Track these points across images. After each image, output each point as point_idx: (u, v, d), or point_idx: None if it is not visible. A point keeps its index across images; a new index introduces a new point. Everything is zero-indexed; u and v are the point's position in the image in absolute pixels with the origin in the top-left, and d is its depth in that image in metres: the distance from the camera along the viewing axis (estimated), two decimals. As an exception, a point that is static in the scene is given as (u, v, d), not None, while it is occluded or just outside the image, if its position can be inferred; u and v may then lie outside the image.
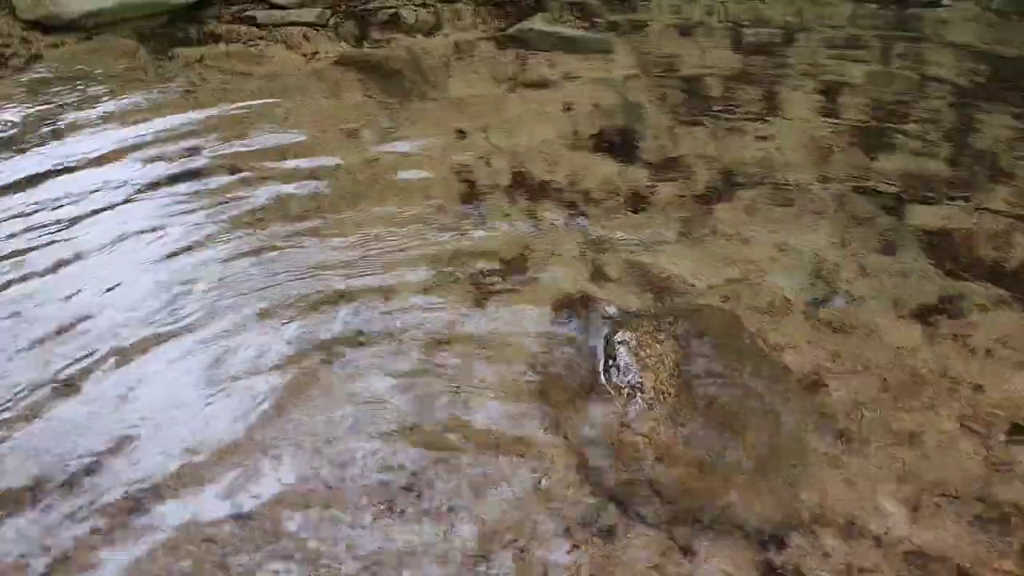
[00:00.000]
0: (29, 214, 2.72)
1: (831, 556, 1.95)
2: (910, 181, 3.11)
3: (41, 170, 2.92)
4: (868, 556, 1.95)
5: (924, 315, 2.56)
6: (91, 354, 2.25)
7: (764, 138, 3.33)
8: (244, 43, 3.66)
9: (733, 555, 1.93)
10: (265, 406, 2.16)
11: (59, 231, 2.66)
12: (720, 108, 3.52)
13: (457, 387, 2.26)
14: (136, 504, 1.92)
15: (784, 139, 3.31)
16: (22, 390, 2.14)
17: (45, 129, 3.12)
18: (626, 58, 3.81)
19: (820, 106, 3.53)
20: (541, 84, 3.61)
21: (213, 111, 3.26)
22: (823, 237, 2.85)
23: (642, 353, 2.25)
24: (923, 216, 2.95)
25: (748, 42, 3.97)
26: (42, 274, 2.49)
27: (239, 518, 1.91)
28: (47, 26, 3.59)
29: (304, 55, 3.64)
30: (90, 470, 1.98)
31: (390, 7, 4.02)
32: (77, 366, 2.22)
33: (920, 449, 2.16)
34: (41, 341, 2.29)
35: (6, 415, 2.08)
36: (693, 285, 2.65)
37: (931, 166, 3.21)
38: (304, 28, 3.80)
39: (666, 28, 4.05)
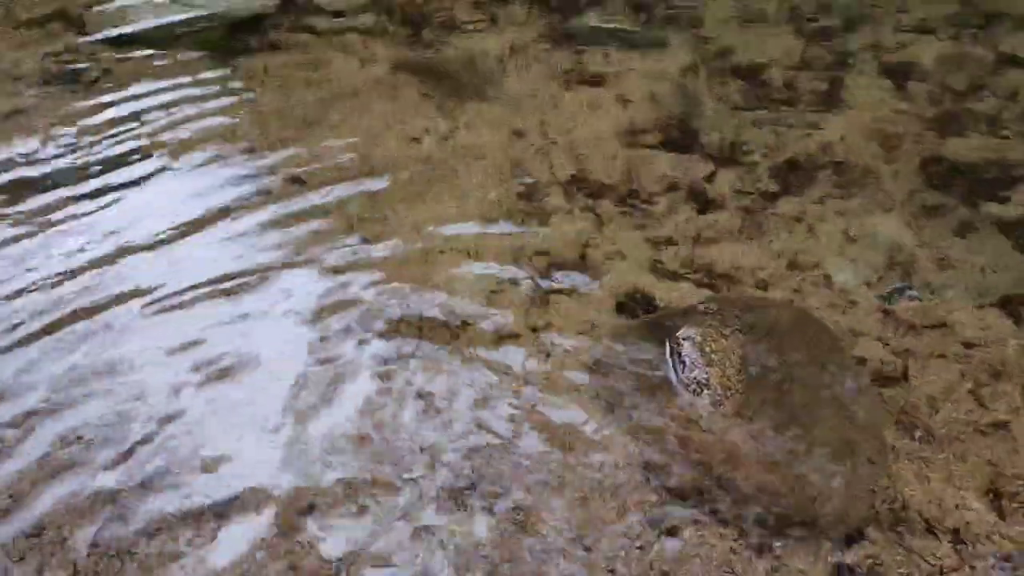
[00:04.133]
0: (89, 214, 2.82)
1: (911, 557, 1.87)
2: (986, 167, 2.99)
3: (111, 181, 3.01)
4: (950, 556, 1.87)
5: (1007, 305, 2.45)
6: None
7: (827, 128, 3.23)
8: (303, 51, 3.72)
9: (805, 555, 1.88)
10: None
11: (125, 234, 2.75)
12: (783, 97, 3.43)
13: (519, 384, 2.25)
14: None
15: (850, 127, 3.22)
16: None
17: (115, 140, 3.20)
18: (683, 51, 3.74)
19: (888, 91, 3.41)
20: (597, 80, 3.57)
21: (274, 118, 3.32)
22: (894, 227, 2.75)
23: (707, 348, 2.20)
24: (1000, 204, 2.83)
25: (811, 28, 3.85)
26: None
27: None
28: (115, 42, 3.72)
29: (362, 60, 3.68)
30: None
31: (445, 8, 4.04)
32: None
33: (1007, 443, 2.06)
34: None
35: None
36: (758, 278, 2.58)
37: (1008, 150, 3.07)
38: (362, 35, 3.84)
39: (726, 20, 3.96)
